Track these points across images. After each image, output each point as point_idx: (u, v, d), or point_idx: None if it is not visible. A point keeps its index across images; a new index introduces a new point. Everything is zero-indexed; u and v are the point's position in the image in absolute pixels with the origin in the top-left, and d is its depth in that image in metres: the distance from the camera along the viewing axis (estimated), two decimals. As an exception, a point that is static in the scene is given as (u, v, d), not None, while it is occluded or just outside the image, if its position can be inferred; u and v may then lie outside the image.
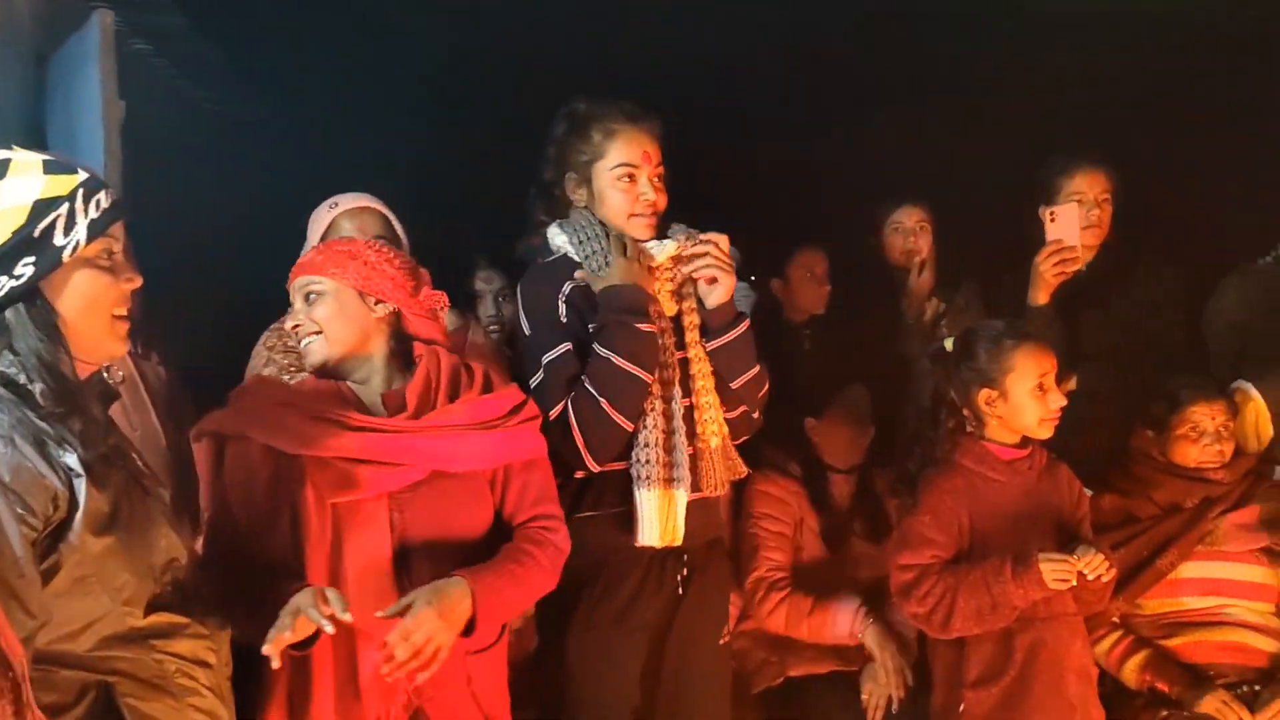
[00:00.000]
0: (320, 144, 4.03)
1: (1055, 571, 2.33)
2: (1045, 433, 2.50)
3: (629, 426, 2.22)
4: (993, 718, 2.41)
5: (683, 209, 2.44)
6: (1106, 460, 2.95)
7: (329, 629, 1.68)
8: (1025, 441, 2.55)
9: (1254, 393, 2.98)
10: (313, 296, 2.01)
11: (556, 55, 3.72)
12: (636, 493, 2.23)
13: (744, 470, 2.45)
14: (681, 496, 2.25)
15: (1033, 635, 2.42)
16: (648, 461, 2.23)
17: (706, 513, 2.37)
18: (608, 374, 2.19)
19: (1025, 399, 2.48)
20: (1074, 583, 2.34)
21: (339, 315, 2.00)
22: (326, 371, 2.02)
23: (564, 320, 2.29)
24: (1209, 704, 2.56)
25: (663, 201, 2.34)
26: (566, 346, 2.25)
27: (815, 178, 4.25)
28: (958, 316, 3.48)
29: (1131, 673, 2.72)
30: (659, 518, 2.23)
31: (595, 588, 2.26)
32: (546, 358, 2.25)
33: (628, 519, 2.25)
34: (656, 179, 2.33)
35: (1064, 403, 2.48)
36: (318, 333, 2.01)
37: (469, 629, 1.88)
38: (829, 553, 3.07)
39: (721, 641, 2.42)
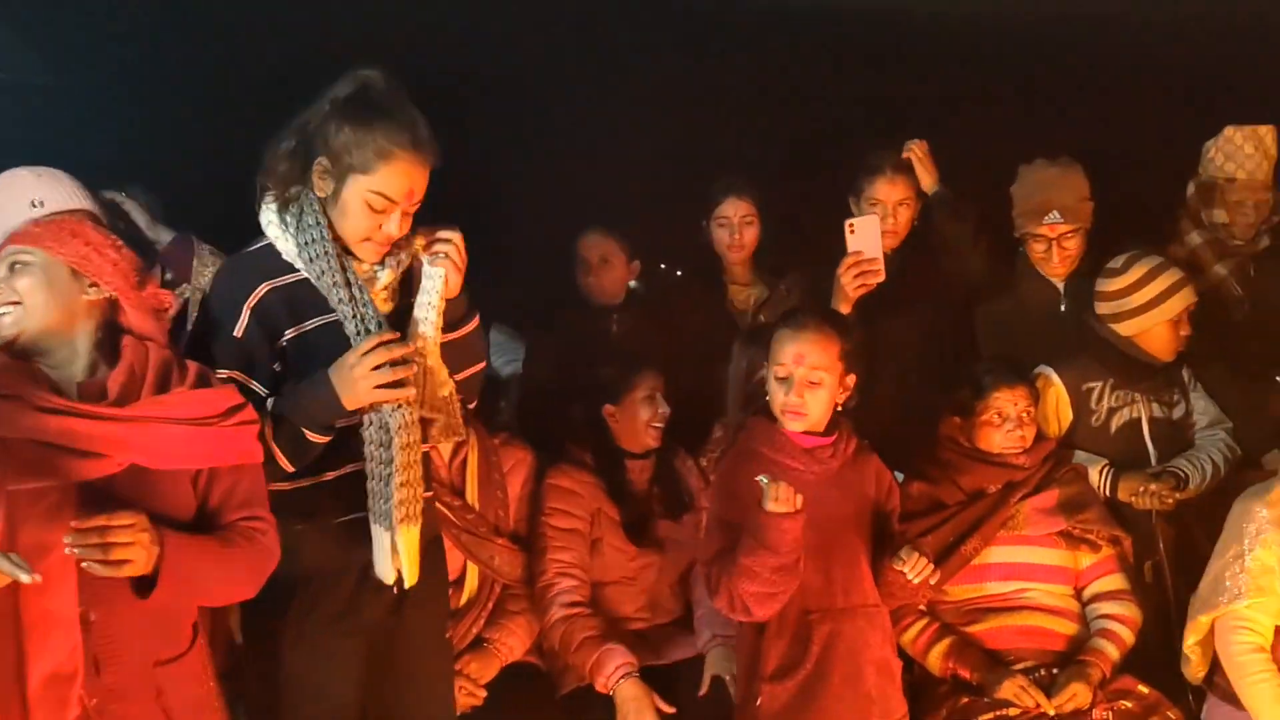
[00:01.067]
0: (117, 110, 3.77)
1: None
2: (787, 422, 2.41)
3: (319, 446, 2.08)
4: (789, 711, 2.34)
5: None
6: (917, 448, 2.95)
7: (26, 578, 1.57)
8: (831, 429, 2.48)
9: (1055, 378, 3.03)
10: (18, 266, 1.85)
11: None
12: (373, 528, 2.11)
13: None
14: (414, 534, 2.13)
15: (830, 627, 2.36)
16: (387, 500, 2.09)
17: (427, 512, 2.23)
18: (290, 434, 2.04)
19: (773, 385, 2.43)
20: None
21: (44, 289, 1.84)
22: (17, 349, 1.84)
23: (240, 335, 2.07)
24: (1007, 689, 2.56)
25: (401, 235, 2.12)
26: (231, 375, 2.04)
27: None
28: (778, 305, 3.46)
29: (936, 660, 2.71)
30: (400, 556, 2.12)
31: (309, 590, 2.14)
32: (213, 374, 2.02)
33: (348, 530, 2.14)
34: (408, 213, 2.11)
35: (799, 401, 2.38)
36: (16, 303, 1.84)
37: (150, 584, 1.72)
38: (631, 541, 2.97)
39: (447, 636, 2.37)
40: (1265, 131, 3.23)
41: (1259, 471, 2.97)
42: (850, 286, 2.86)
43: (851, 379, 2.44)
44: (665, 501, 3.03)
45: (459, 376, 2.24)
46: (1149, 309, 2.93)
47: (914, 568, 2.33)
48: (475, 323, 2.28)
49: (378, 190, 2.04)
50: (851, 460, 2.48)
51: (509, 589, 2.96)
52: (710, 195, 3.53)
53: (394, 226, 2.08)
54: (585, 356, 3.23)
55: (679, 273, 3.91)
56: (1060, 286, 3.23)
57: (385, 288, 2.14)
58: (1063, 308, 3.20)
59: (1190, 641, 2.61)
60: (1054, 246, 3.16)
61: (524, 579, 2.95)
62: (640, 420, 2.98)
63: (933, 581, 2.42)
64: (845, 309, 2.89)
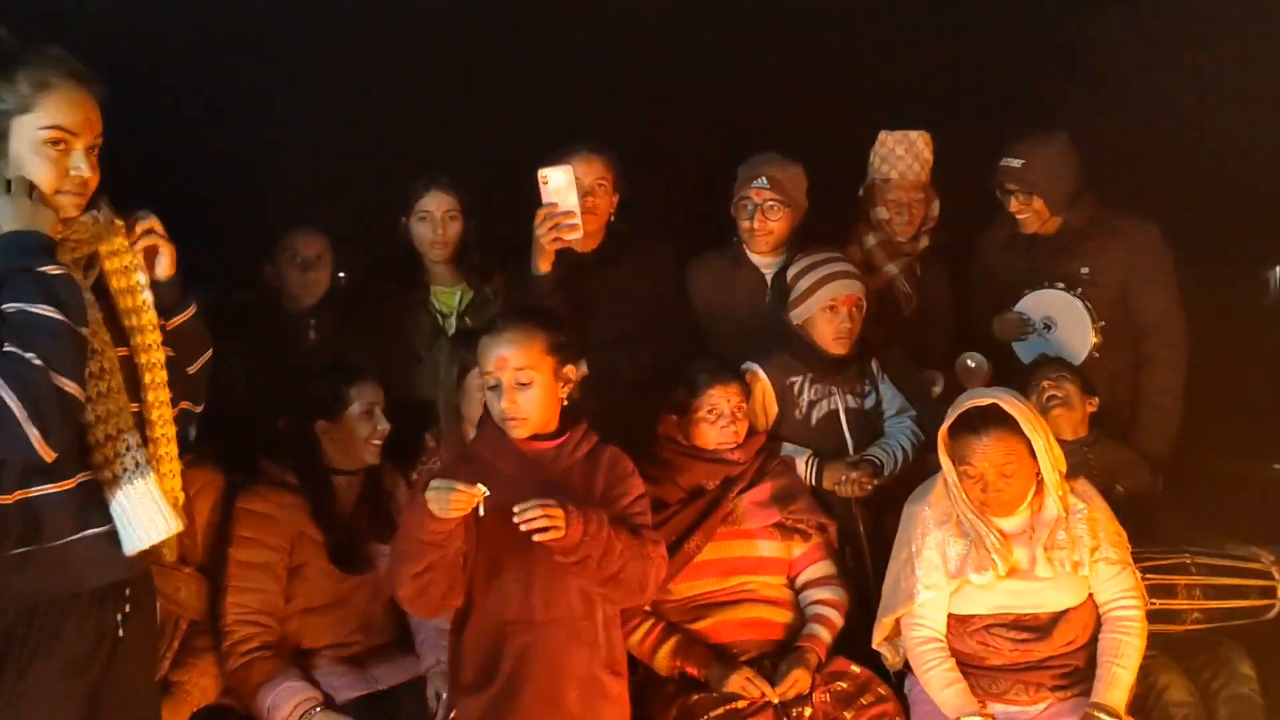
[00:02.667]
0: None
1: (440, 500, 2.07)
2: (510, 430, 2.28)
3: (79, 393, 1.84)
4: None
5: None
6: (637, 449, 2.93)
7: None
8: (565, 428, 2.34)
9: (761, 374, 3.12)
10: None
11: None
12: (120, 492, 1.93)
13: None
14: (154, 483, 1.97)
15: (525, 640, 2.24)
16: (127, 450, 1.93)
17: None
18: (28, 325, 1.79)
19: (489, 396, 2.31)
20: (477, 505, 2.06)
21: None
22: None
23: None
24: (734, 683, 2.60)
25: (95, 180, 1.96)
26: None
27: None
28: (483, 308, 3.35)
29: (664, 659, 2.71)
30: (155, 509, 1.96)
31: (28, 640, 1.90)
32: None
33: (64, 553, 1.91)
34: (93, 152, 1.95)
35: (514, 407, 2.25)
36: None
37: None
38: (338, 564, 2.78)
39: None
40: (917, 136, 3.48)
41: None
42: (546, 240, 2.82)
43: (571, 370, 2.32)
44: (374, 521, 2.84)
45: (193, 369, 2.15)
46: (805, 298, 3.06)
47: (521, 513, 2.16)
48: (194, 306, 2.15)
49: (49, 124, 1.89)
50: (583, 462, 2.34)
51: (196, 625, 2.69)
52: (411, 190, 3.35)
53: (84, 166, 1.93)
54: (286, 367, 2.97)
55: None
56: (768, 279, 3.31)
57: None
58: (768, 299, 3.29)
59: (879, 639, 2.76)
60: (758, 214, 3.23)
61: (211, 614, 2.70)
62: (359, 437, 2.78)
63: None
64: (545, 266, 2.85)
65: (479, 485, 2.07)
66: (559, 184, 2.79)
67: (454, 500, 2.05)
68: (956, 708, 2.54)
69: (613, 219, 3.18)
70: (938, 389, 3.35)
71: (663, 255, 3.26)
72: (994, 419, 2.55)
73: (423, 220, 3.34)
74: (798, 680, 2.61)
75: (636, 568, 2.22)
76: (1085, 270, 3.37)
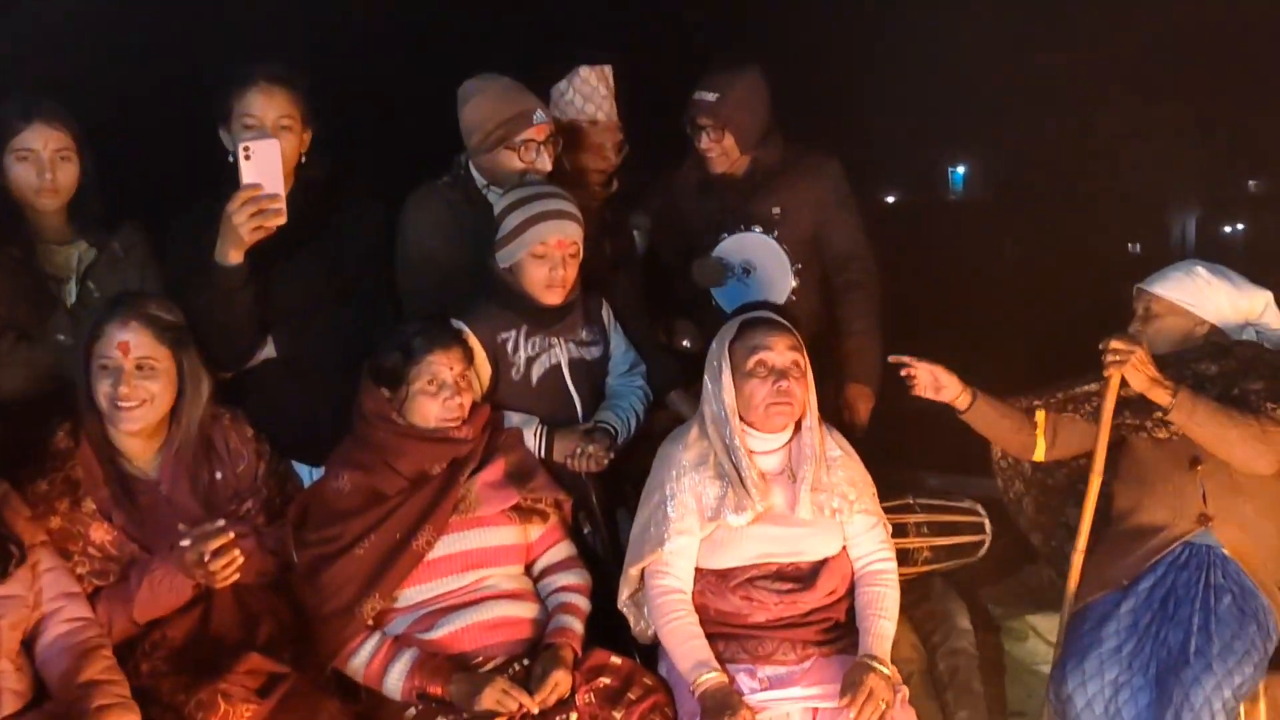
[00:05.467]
0: None
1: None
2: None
3: None
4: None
5: None
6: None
7: None
8: None
9: (468, 332, 2.71)
10: None
11: None
12: None
13: None
14: None
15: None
16: None
17: None
18: None
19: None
20: None
21: None
22: None
23: None
24: (488, 698, 2.22)
25: None
26: None
27: None
28: (110, 271, 2.68)
29: (397, 682, 2.28)
30: None
31: None
32: None
33: None
34: None
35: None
36: None
37: None
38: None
39: None
40: (608, 70, 3.20)
41: (666, 411, 3.00)
42: (246, 228, 2.33)
43: None
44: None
45: None
46: (511, 240, 2.67)
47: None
48: None
49: None
50: None
51: None
52: (4, 122, 2.59)
53: None
54: None
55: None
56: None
57: None
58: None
59: (624, 596, 2.54)
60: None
61: None
62: None
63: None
64: (237, 255, 2.39)
65: None
66: (264, 160, 2.33)
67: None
68: (697, 664, 2.34)
69: (303, 160, 2.65)
70: (688, 343, 3.14)
71: (370, 210, 2.77)
72: (778, 323, 2.49)
73: (24, 160, 2.60)
74: (557, 683, 2.28)
75: None
76: (777, 210, 3.29)
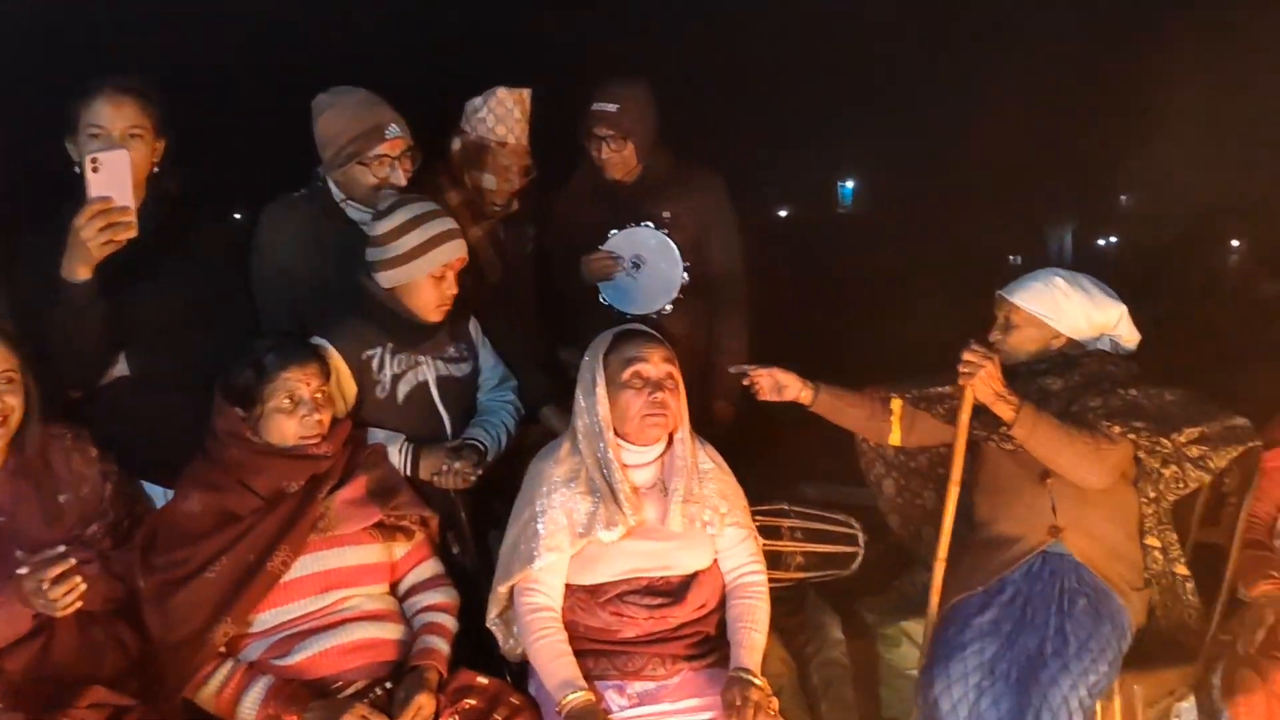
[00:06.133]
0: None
1: None
2: None
3: None
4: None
5: None
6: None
7: None
8: None
9: (333, 351, 2.64)
10: None
11: None
12: None
13: None
14: None
15: None
16: None
17: None
18: None
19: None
20: None
21: None
22: None
23: None
24: (347, 726, 2.16)
25: None
26: None
27: None
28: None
29: (250, 712, 2.20)
30: None
31: None
32: None
33: None
34: None
35: None
36: None
37: None
38: None
39: None
40: (526, 94, 3.19)
41: (538, 426, 2.97)
42: (95, 243, 2.24)
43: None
44: None
45: None
46: (406, 261, 2.63)
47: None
48: None
49: None
50: None
51: None
52: None
53: None
54: None
55: None
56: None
57: None
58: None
59: (493, 615, 2.50)
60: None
61: None
62: None
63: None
64: (85, 271, 2.29)
65: None
66: (113, 171, 2.23)
67: None
68: (564, 682, 2.30)
69: (156, 171, 2.55)
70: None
71: (227, 225, 2.68)
72: (652, 335, 2.49)
73: None
74: (421, 707, 2.22)
75: None
76: (667, 214, 3.33)
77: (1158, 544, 2.70)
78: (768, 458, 3.48)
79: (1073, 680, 2.38)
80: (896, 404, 2.83)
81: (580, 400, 2.48)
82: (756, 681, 2.33)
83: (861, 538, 2.94)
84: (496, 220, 3.19)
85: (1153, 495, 2.70)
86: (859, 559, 2.94)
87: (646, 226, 3.30)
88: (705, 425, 3.30)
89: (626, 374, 2.44)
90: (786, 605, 2.84)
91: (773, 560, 2.76)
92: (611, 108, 3.25)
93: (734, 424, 3.36)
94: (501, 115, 3.10)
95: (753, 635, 2.43)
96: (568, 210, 3.46)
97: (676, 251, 3.30)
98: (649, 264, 3.31)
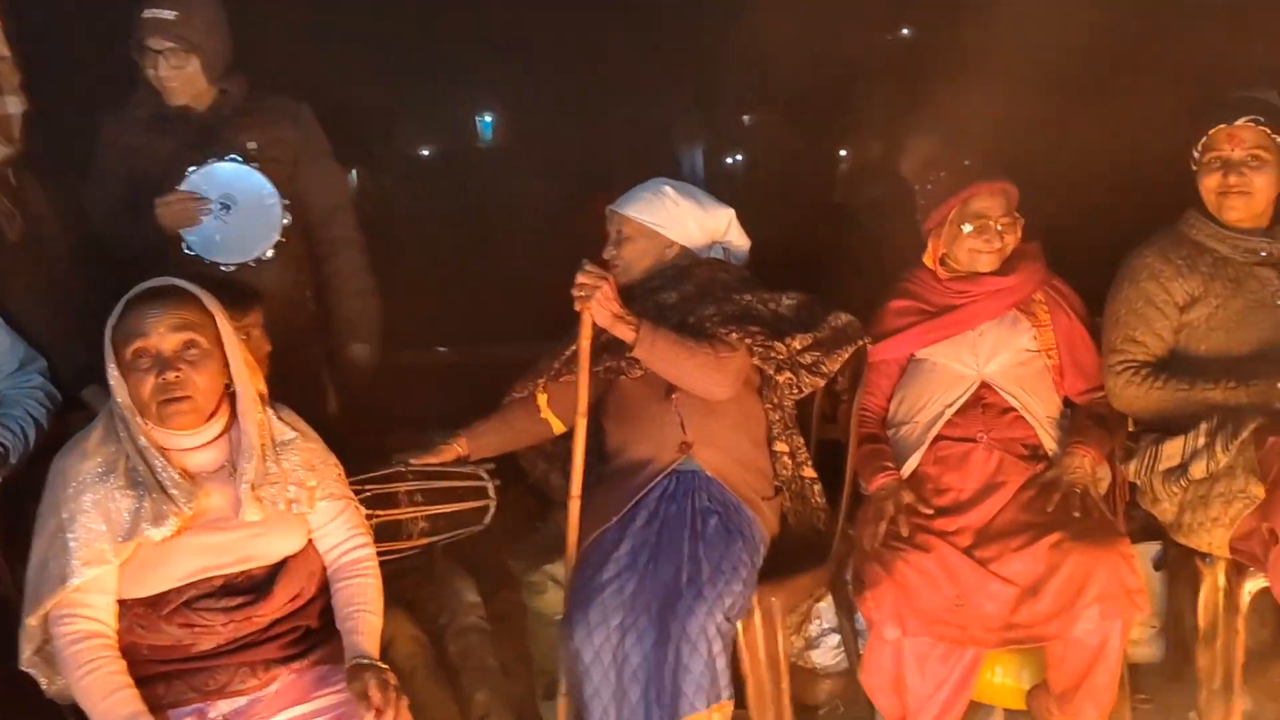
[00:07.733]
0: None
1: None
2: None
3: None
4: None
5: None
6: None
7: None
8: None
9: None
10: None
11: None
12: None
13: None
14: None
15: None
16: None
17: None
18: None
19: None
20: None
21: None
22: None
23: None
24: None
25: None
26: None
27: None
28: None
29: None
30: None
31: None
32: None
33: None
34: None
35: None
36: None
37: None
38: None
39: None
40: None
41: (83, 412, 2.49)
42: None
43: None
44: None
45: None
46: None
47: None
48: None
49: None
50: None
51: None
52: None
53: None
54: None
55: None
56: None
57: None
58: None
59: (27, 654, 2.05)
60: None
61: None
62: None
63: None
64: None
65: None
66: None
67: None
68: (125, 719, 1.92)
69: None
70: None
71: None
72: (172, 293, 2.06)
73: None
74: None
75: None
76: (253, 145, 2.93)
77: (785, 449, 2.68)
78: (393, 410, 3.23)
79: (708, 607, 2.29)
80: (541, 399, 2.68)
81: (109, 378, 2.05)
82: (379, 667, 2.05)
83: (492, 486, 2.71)
84: (3, 166, 2.63)
85: (776, 401, 2.67)
86: (490, 511, 2.72)
87: (233, 160, 2.89)
88: (344, 374, 3.11)
89: (129, 353, 2.02)
90: (415, 576, 2.56)
91: (392, 531, 2.47)
92: (169, 14, 2.80)
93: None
94: None
95: (367, 618, 2.12)
96: (118, 144, 2.94)
97: (273, 188, 2.91)
98: (240, 204, 2.89)
